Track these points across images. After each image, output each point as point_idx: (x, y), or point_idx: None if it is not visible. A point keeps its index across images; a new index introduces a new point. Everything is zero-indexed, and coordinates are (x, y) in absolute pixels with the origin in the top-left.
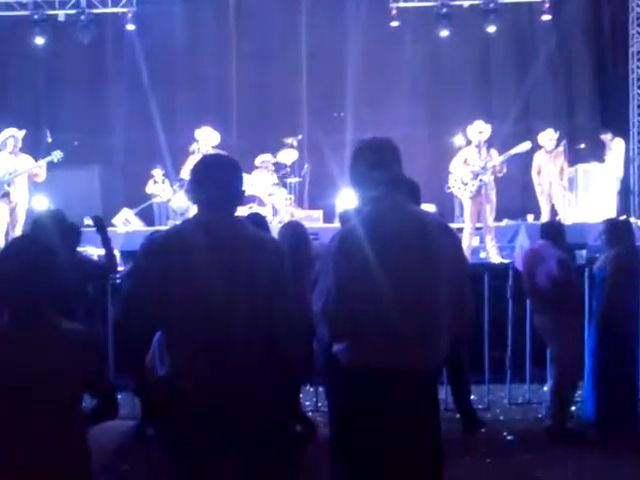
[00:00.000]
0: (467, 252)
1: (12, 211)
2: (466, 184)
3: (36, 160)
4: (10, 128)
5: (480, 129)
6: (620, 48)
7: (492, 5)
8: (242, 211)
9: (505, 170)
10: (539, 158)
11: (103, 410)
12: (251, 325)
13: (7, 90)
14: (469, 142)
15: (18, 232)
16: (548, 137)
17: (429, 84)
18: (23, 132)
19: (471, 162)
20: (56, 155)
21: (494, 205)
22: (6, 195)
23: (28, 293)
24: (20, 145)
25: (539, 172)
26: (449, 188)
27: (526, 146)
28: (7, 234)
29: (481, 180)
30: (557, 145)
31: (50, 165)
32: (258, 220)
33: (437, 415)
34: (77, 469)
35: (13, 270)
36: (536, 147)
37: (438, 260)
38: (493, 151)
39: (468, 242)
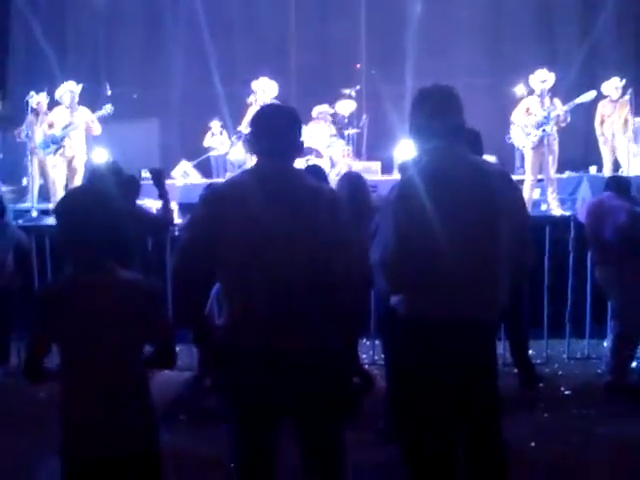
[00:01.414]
0: (528, 204)
1: (70, 164)
2: (528, 134)
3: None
4: (68, 82)
5: (543, 77)
6: None
7: None
8: (300, 163)
9: (569, 120)
10: (603, 108)
11: (159, 358)
12: (310, 273)
13: (66, 44)
14: (531, 92)
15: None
16: (613, 85)
17: (490, 32)
18: (80, 86)
19: (533, 112)
20: (106, 109)
21: (556, 156)
22: (62, 149)
23: (87, 242)
24: (77, 99)
25: (602, 122)
26: (510, 138)
27: (591, 95)
28: (66, 187)
29: (544, 130)
30: (623, 94)
31: (109, 118)
32: (317, 171)
33: (495, 365)
34: (141, 413)
35: (71, 219)
36: (600, 96)
37: (498, 211)
38: (556, 100)
39: (529, 194)
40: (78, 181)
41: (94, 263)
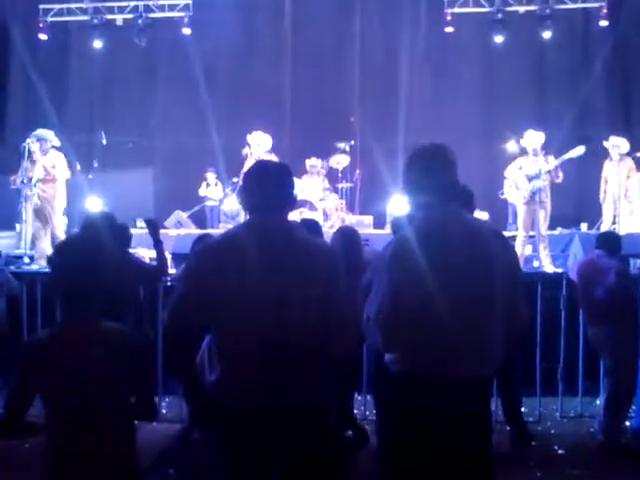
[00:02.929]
0: (520, 260)
1: (40, 211)
2: (520, 189)
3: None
4: (40, 129)
5: (532, 137)
6: None
7: (548, 11)
8: (293, 216)
9: (561, 176)
10: (606, 167)
11: (139, 410)
12: (303, 330)
13: (65, 93)
14: (522, 149)
15: (59, 232)
16: (612, 144)
17: (483, 90)
18: (51, 133)
19: (526, 168)
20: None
21: (548, 213)
22: (38, 196)
23: (75, 294)
24: (49, 145)
25: (606, 181)
26: (503, 193)
27: (579, 151)
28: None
29: (535, 185)
30: (628, 154)
31: (105, 167)
32: (312, 225)
33: (489, 426)
34: (123, 464)
35: (62, 271)
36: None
37: (492, 269)
38: (550, 158)
39: (521, 250)
40: (58, 228)
41: (81, 315)
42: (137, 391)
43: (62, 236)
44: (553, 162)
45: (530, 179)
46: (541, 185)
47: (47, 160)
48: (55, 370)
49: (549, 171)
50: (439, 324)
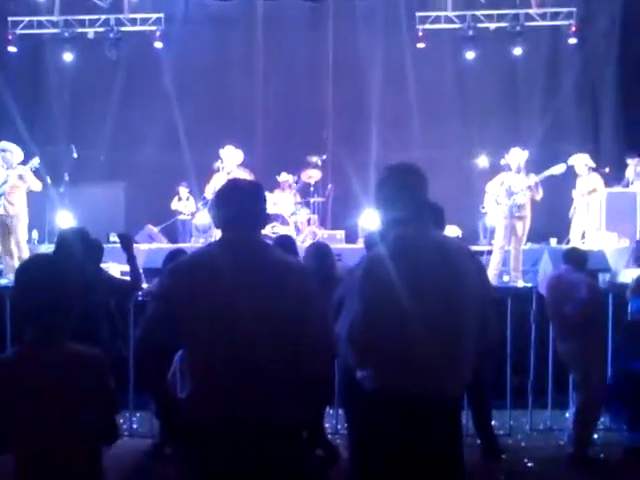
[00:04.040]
0: (497, 273)
1: (6, 224)
2: (500, 204)
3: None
4: (3, 142)
5: (517, 155)
6: None
7: (518, 28)
8: (265, 231)
9: (542, 193)
10: (577, 183)
11: (101, 432)
12: (277, 347)
13: (36, 106)
14: (495, 165)
15: (22, 246)
16: (578, 161)
17: (455, 105)
18: (14, 146)
19: (507, 183)
20: (33, 162)
21: (527, 228)
22: (0, 209)
23: (39, 315)
24: (17, 159)
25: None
26: (484, 207)
27: (561, 168)
28: (10, 249)
29: (515, 201)
30: (595, 170)
31: (76, 181)
32: (287, 242)
33: (460, 440)
34: None
35: (26, 291)
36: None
37: (463, 286)
38: (532, 175)
39: (499, 259)
40: (23, 242)
41: (44, 335)
42: (99, 414)
43: (26, 250)
44: (534, 178)
45: (510, 195)
46: (520, 200)
47: (16, 171)
48: (18, 391)
49: (529, 187)
50: (412, 341)
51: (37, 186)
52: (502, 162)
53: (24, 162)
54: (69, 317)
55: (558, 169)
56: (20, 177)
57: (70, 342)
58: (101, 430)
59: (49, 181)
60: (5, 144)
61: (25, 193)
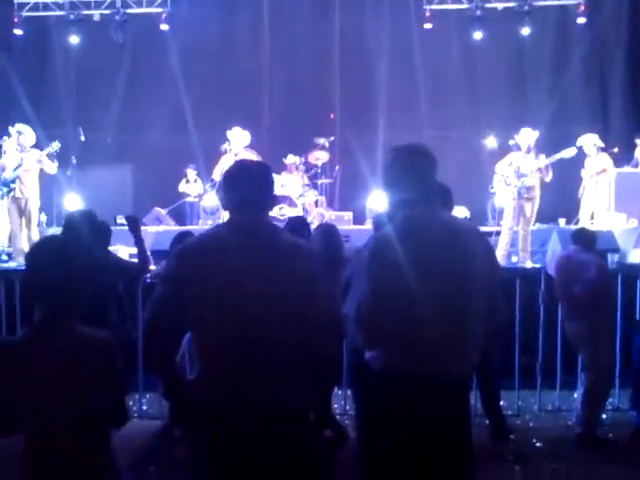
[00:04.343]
0: (505, 253)
1: (20, 207)
2: (509, 185)
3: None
4: (18, 124)
5: (527, 135)
6: None
7: (526, 7)
8: (273, 212)
9: (551, 175)
10: (586, 163)
11: (109, 415)
12: (284, 329)
13: (43, 89)
14: (518, 147)
15: (33, 228)
16: (587, 141)
17: (462, 86)
18: (29, 128)
19: (516, 164)
20: (53, 146)
21: (535, 209)
22: (12, 192)
23: (48, 298)
24: (30, 141)
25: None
26: (492, 187)
27: (572, 152)
28: (22, 231)
29: (524, 182)
30: (604, 150)
31: (83, 163)
32: (300, 223)
33: (468, 420)
34: (102, 469)
35: (36, 274)
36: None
37: (471, 267)
38: (541, 156)
39: (507, 240)
40: (34, 225)
41: (53, 318)
42: (108, 397)
43: (36, 232)
44: (544, 160)
45: (520, 176)
46: (529, 182)
47: (33, 155)
48: (27, 374)
49: (539, 169)
50: (419, 322)
51: (52, 169)
52: (511, 142)
53: (38, 145)
54: (78, 300)
55: (569, 152)
56: (38, 162)
57: (79, 325)
58: (110, 412)
59: (56, 164)
60: (20, 126)
61: (38, 175)
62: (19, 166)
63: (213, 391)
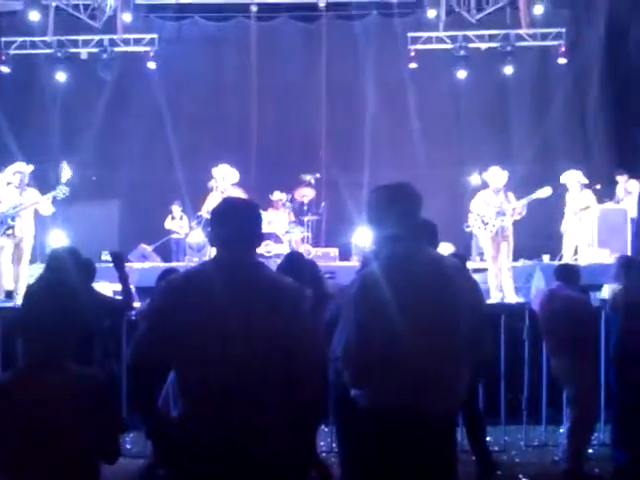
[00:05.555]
0: (496, 290)
1: (17, 246)
2: (486, 224)
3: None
4: (18, 163)
5: (496, 176)
6: (635, 90)
7: (509, 48)
8: (259, 249)
9: (524, 213)
10: (568, 199)
11: (102, 451)
12: (268, 367)
13: (29, 126)
14: (485, 182)
15: (24, 267)
16: (570, 178)
17: (447, 124)
18: (31, 167)
19: (491, 203)
20: (61, 190)
21: (511, 245)
22: (11, 229)
23: (42, 338)
24: (27, 180)
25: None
26: (468, 227)
27: (546, 192)
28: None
29: (502, 221)
30: (587, 186)
31: (69, 200)
32: (295, 258)
33: (454, 456)
34: None
35: (30, 316)
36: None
37: (457, 304)
38: (510, 194)
39: (496, 283)
40: (25, 263)
41: (45, 358)
42: (101, 434)
43: (27, 271)
44: (514, 199)
45: (497, 215)
46: (508, 223)
47: (34, 197)
48: (16, 415)
49: (514, 208)
50: (407, 360)
51: (48, 211)
52: (472, 180)
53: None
54: (70, 338)
55: (544, 192)
56: (38, 205)
57: (70, 363)
58: (103, 449)
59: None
60: (19, 166)
61: (33, 215)
62: (19, 205)
63: (196, 431)
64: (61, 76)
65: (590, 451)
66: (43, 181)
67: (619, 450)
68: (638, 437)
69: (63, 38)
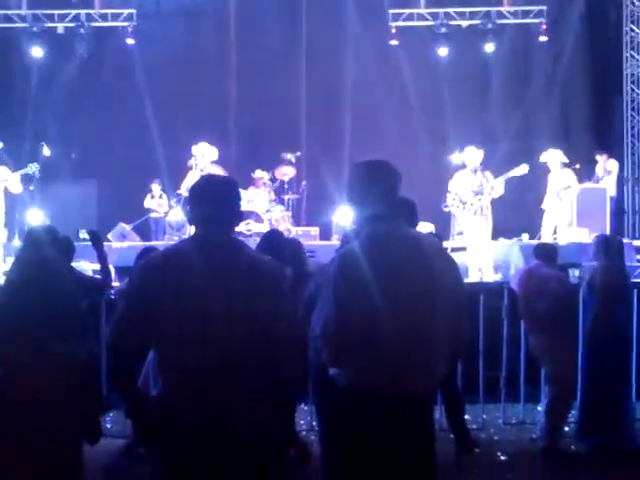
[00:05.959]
0: (476, 269)
1: None
2: (465, 203)
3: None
4: None
5: (472, 155)
6: (614, 70)
7: (490, 25)
8: (239, 228)
9: (502, 191)
10: (549, 179)
11: (84, 431)
12: (247, 346)
13: (4, 102)
14: (464, 165)
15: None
16: (550, 157)
17: (428, 102)
18: (0, 144)
19: (469, 183)
20: (31, 167)
21: (490, 224)
22: None
23: (37, 321)
24: None
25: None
26: (447, 206)
27: (523, 170)
28: None
29: (480, 200)
30: (567, 166)
31: (47, 178)
32: (274, 237)
33: (432, 435)
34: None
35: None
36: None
37: (436, 284)
38: (488, 173)
39: (475, 262)
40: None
41: (29, 341)
42: (85, 413)
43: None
44: (492, 178)
45: (476, 194)
46: (486, 202)
47: (1, 171)
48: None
49: (492, 187)
50: (385, 338)
51: (17, 189)
52: (453, 159)
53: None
54: (54, 319)
55: (520, 170)
56: (6, 179)
57: (55, 343)
58: (86, 429)
59: (19, 178)
60: None
61: (3, 193)
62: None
63: (176, 411)
64: (37, 51)
65: (566, 429)
66: (17, 158)
67: (583, 437)
68: (601, 426)
69: (38, 12)
